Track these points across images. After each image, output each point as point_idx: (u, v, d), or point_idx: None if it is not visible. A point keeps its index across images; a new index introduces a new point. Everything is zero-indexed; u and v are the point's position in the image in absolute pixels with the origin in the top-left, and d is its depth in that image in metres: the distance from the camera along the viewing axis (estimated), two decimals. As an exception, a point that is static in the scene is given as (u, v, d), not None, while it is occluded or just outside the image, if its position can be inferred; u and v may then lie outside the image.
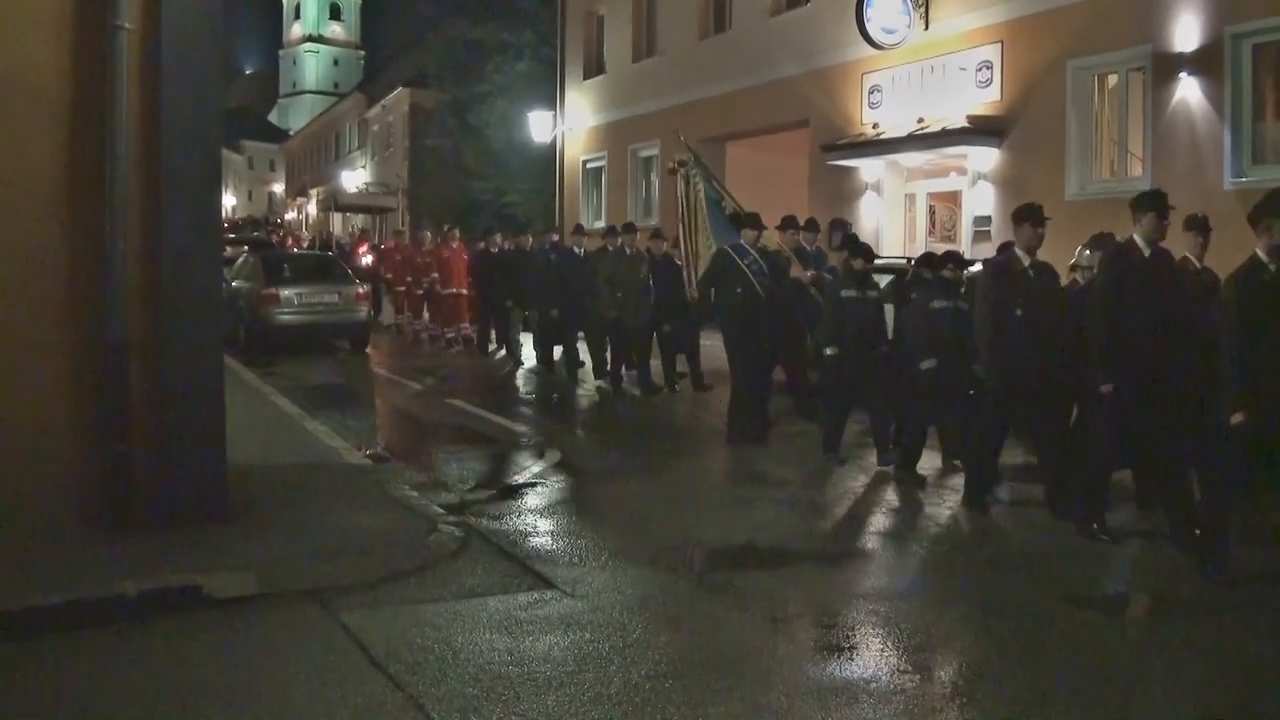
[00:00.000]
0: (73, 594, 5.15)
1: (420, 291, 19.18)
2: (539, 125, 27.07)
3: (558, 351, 14.93)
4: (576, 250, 14.74)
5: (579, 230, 15.63)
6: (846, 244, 10.28)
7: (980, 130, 15.24)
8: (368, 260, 23.16)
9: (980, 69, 15.48)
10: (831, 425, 9.36)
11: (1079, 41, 14.06)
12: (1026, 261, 7.45)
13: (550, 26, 28.35)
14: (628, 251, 13.47)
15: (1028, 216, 7.46)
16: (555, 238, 16.30)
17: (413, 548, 6.30)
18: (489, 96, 32.02)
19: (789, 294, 10.63)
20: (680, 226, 12.52)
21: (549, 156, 27.83)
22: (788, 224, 11.21)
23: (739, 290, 10.07)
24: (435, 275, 18.42)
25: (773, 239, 11.32)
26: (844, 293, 9.17)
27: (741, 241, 10.49)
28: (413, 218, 39.68)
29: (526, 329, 16.24)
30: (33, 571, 5.39)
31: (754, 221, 10.69)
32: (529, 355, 15.98)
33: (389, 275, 21.24)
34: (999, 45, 15.20)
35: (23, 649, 4.76)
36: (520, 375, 15.27)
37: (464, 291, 18.10)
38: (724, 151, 21.79)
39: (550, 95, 27.62)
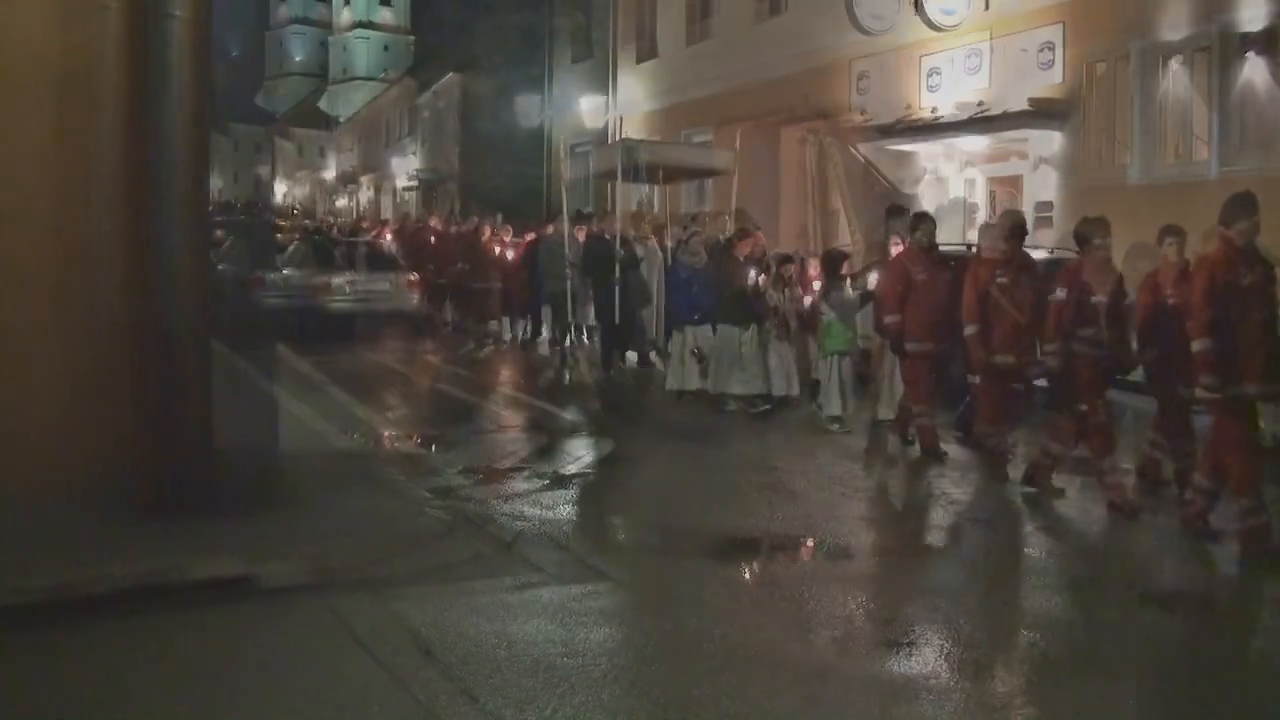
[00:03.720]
0: (66, 576, 5.10)
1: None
2: (591, 111, 26.90)
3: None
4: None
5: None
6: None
7: (1042, 114, 14.89)
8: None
9: (1042, 50, 15.14)
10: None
11: (1143, 22, 13.71)
12: None
13: (603, 10, 28.19)
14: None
15: None
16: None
17: (460, 538, 6.27)
18: (541, 81, 32.02)
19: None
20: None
21: (602, 142, 27.72)
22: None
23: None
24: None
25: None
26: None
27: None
28: (463, 204, 39.78)
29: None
30: (27, 559, 5.28)
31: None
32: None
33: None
34: (1060, 26, 14.85)
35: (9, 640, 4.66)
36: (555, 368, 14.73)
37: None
38: (778, 135, 21.58)
39: (603, 80, 27.50)
